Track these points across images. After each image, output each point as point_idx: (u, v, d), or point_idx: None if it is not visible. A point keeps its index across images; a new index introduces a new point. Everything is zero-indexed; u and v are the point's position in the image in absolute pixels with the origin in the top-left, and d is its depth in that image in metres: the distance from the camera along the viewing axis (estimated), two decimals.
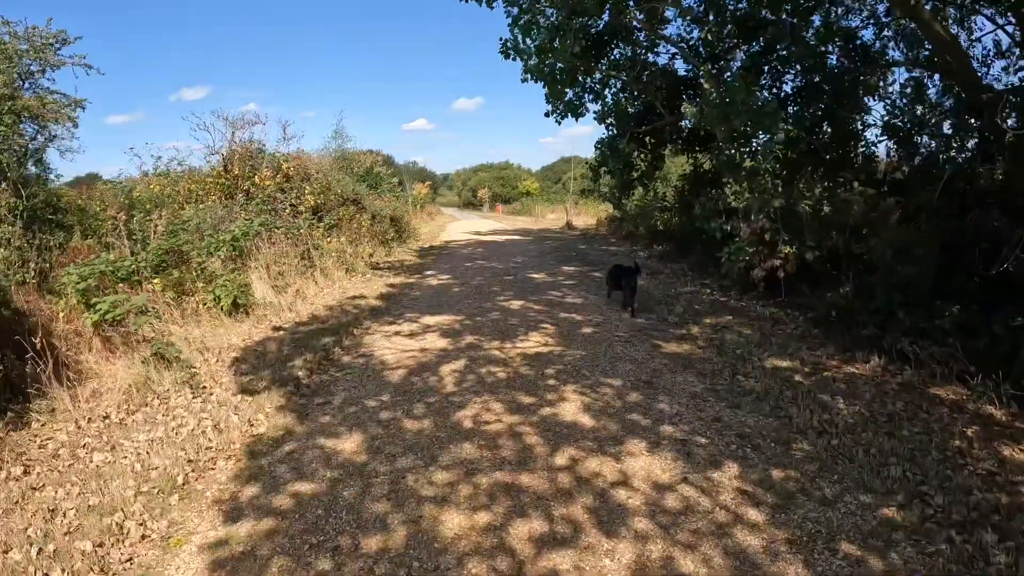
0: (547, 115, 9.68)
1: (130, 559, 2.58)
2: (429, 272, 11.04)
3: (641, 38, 9.01)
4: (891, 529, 2.58)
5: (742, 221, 7.06)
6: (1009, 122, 6.04)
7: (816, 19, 7.17)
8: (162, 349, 4.77)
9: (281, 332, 6.22)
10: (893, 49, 7.72)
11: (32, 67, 8.73)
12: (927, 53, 6.97)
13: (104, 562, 2.53)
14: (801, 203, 6.77)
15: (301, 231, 9.39)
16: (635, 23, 8.62)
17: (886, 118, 6.95)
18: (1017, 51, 6.76)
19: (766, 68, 7.84)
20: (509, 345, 5.53)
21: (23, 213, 7.13)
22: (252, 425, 3.85)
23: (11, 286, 5.49)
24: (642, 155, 10.19)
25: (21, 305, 5.31)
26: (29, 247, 6.56)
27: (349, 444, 3.53)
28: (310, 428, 3.80)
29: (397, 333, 6.18)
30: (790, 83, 8.04)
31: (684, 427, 3.61)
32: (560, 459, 3.24)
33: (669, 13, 8.46)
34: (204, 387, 4.56)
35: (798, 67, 7.50)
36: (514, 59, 8.67)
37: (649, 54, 9.25)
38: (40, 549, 2.66)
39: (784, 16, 7.18)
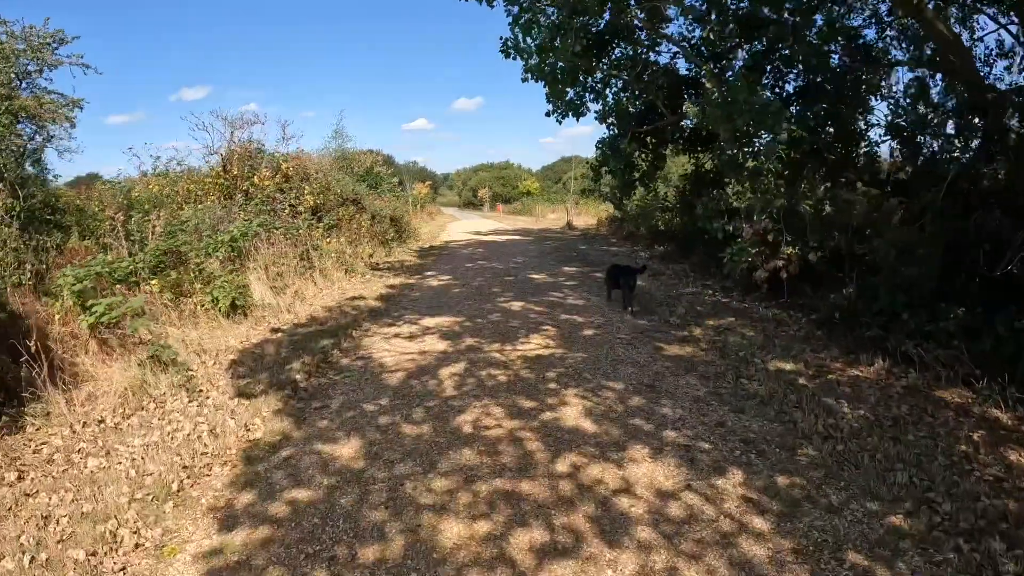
0: (548, 115, 9.64)
1: (123, 568, 2.53)
2: (429, 273, 10.99)
3: (642, 37, 8.96)
4: (898, 538, 2.54)
5: (744, 222, 7.01)
6: (1013, 122, 6.01)
7: (818, 18, 7.13)
8: (159, 351, 4.72)
9: (279, 334, 6.17)
10: (895, 49, 7.68)
11: (30, 67, 8.68)
12: (930, 53, 6.92)
13: (97, 571, 2.49)
14: (803, 203, 6.72)
15: (300, 231, 9.34)
16: (636, 22, 8.58)
17: (890, 118, 6.90)
18: (1020, 51, 6.72)
19: (768, 68, 7.79)
20: (510, 347, 5.48)
21: (20, 214, 7.09)
22: (248, 430, 3.80)
23: (7, 288, 5.45)
24: (643, 155, 10.15)
25: (17, 307, 5.26)
26: (25, 248, 6.52)
27: (347, 450, 3.48)
28: (307, 433, 3.75)
29: (396, 335, 6.13)
30: (792, 83, 8.00)
31: (687, 432, 3.56)
32: (561, 465, 3.19)
33: (671, 12, 8.42)
34: (201, 390, 4.51)
35: (800, 67, 7.46)
36: (514, 58, 8.62)
37: (650, 53, 9.20)
38: (32, 557, 2.61)
39: (786, 15, 7.14)
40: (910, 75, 7.18)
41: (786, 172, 7.18)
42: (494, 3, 8.20)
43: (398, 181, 22.30)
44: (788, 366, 4.71)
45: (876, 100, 7.38)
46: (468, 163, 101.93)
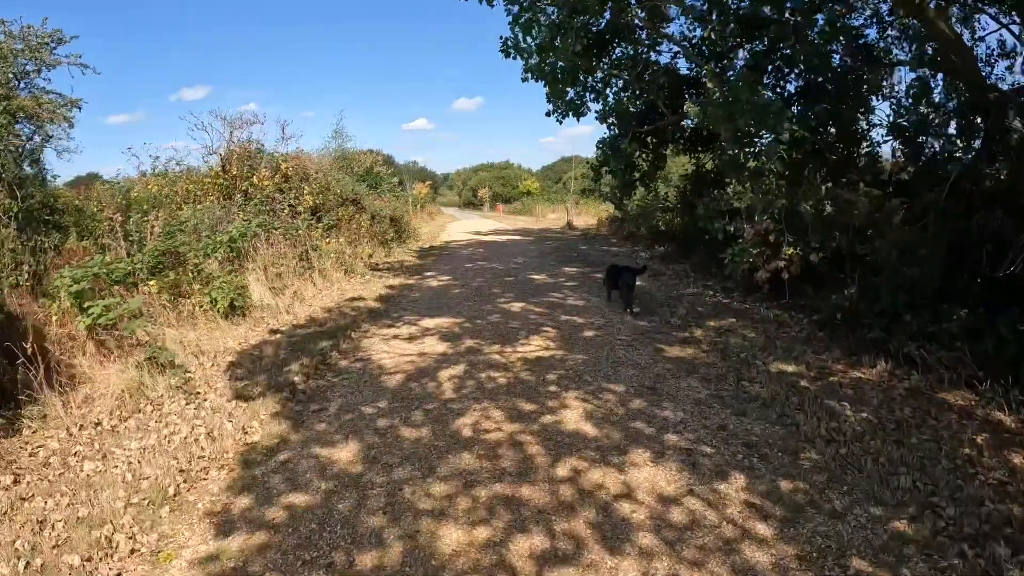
0: (548, 115, 9.62)
1: (119, 574, 2.50)
2: (429, 273, 10.96)
3: (643, 37, 8.93)
4: (902, 543, 2.51)
5: (746, 222, 6.97)
6: (1016, 123, 5.97)
7: (820, 18, 7.09)
8: (156, 353, 4.69)
9: (278, 335, 6.14)
10: (897, 48, 7.65)
11: (28, 67, 8.64)
12: (931, 52, 6.89)
13: None
14: (805, 204, 6.68)
15: (299, 232, 9.30)
16: (637, 21, 8.54)
17: (892, 118, 6.87)
18: (1022, 51, 6.69)
19: (769, 67, 7.75)
20: (509, 349, 5.45)
21: (18, 214, 7.05)
22: (246, 433, 3.77)
23: (4, 289, 5.41)
24: (644, 155, 10.12)
25: (14, 308, 5.23)
26: (23, 249, 6.48)
27: (345, 453, 3.45)
28: (305, 436, 3.72)
29: (396, 336, 6.10)
30: (793, 83, 7.97)
31: (689, 436, 3.53)
32: (562, 470, 3.16)
33: (672, 11, 8.38)
34: (198, 392, 4.48)
35: (802, 66, 7.42)
36: (514, 58, 8.60)
37: (651, 53, 9.17)
38: (28, 563, 2.59)
39: (787, 15, 7.10)
40: (912, 75, 7.16)
41: (787, 172, 7.13)
42: (494, 2, 8.17)
43: (398, 181, 22.27)
44: (790, 368, 4.68)
45: (878, 100, 7.36)
46: (468, 163, 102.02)
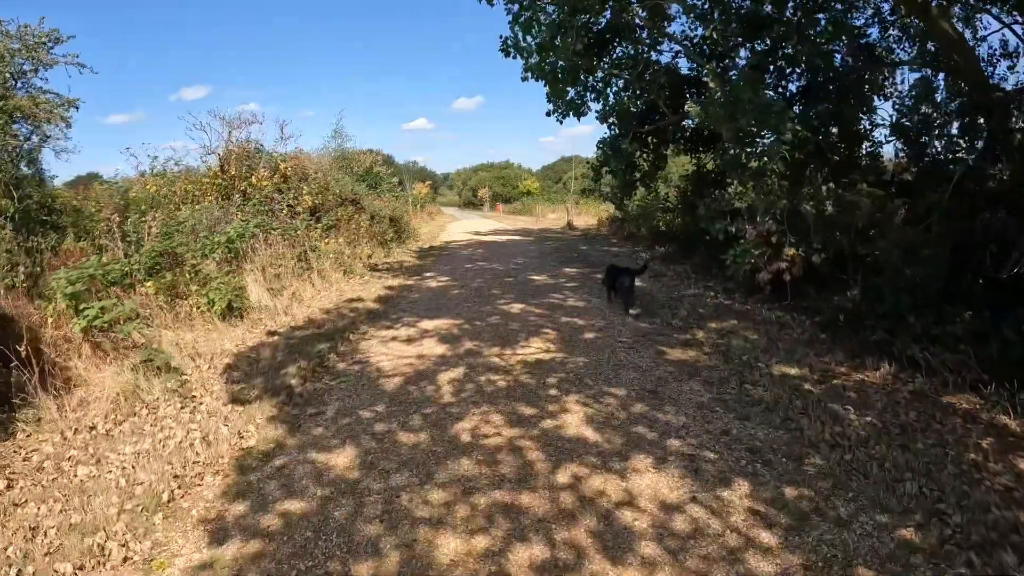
0: (548, 114, 9.58)
1: None
2: (428, 274, 10.90)
3: (644, 36, 8.88)
4: (909, 552, 2.46)
5: (747, 223, 6.92)
6: (1020, 123, 5.93)
7: (822, 17, 7.05)
8: (152, 355, 4.64)
9: (276, 337, 6.09)
10: (899, 48, 7.61)
11: (25, 66, 8.61)
12: (933, 51, 6.85)
13: None
14: (806, 204, 6.63)
15: (298, 232, 9.26)
16: (638, 20, 8.50)
17: (895, 117, 6.82)
18: None
19: (771, 67, 7.70)
20: (509, 351, 5.40)
21: (14, 215, 7.02)
22: (242, 437, 3.72)
23: None
24: (644, 155, 10.07)
25: (9, 310, 5.19)
26: (19, 250, 6.44)
27: (342, 459, 3.39)
28: (302, 441, 3.66)
29: (394, 338, 6.04)
30: (795, 82, 7.93)
31: (691, 441, 3.48)
32: (562, 476, 3.11)
33: (673, 10, 8.34)
34: (194, 396, 4.43)
35: (804, 66, 7.37)
36: (514, 57, 8.56)
37: (652, 52, 9.14)
38: (19, 571, 2.56)
39: (788, 14, 7.06)
40: (914, 75, 7.13)
41: (789, 172, 7.09)
42: (494, 1, 8.12)
43: (398, 181, 22.19)
44: (793, 371, 4.63)
45: (880, 100, 7.32)
46: (468, 163, 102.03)
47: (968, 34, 6.78)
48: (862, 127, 7.28)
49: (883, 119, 7.25)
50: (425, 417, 3.94)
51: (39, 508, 3.02)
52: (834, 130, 7.19)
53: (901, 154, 7.01)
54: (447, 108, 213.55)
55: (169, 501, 3.02)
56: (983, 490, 2.85)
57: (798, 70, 7.67)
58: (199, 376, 4.85)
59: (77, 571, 2.53)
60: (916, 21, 6.83)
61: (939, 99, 6.77)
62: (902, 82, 7.35)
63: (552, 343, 5.64)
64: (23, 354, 4.04)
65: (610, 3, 7.72)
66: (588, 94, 9.39)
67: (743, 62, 7.82)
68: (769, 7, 7.00)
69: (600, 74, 9.26)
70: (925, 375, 4.28)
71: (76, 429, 3.91)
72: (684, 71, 9.43)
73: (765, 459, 3.24)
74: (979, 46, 6.85)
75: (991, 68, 6.85)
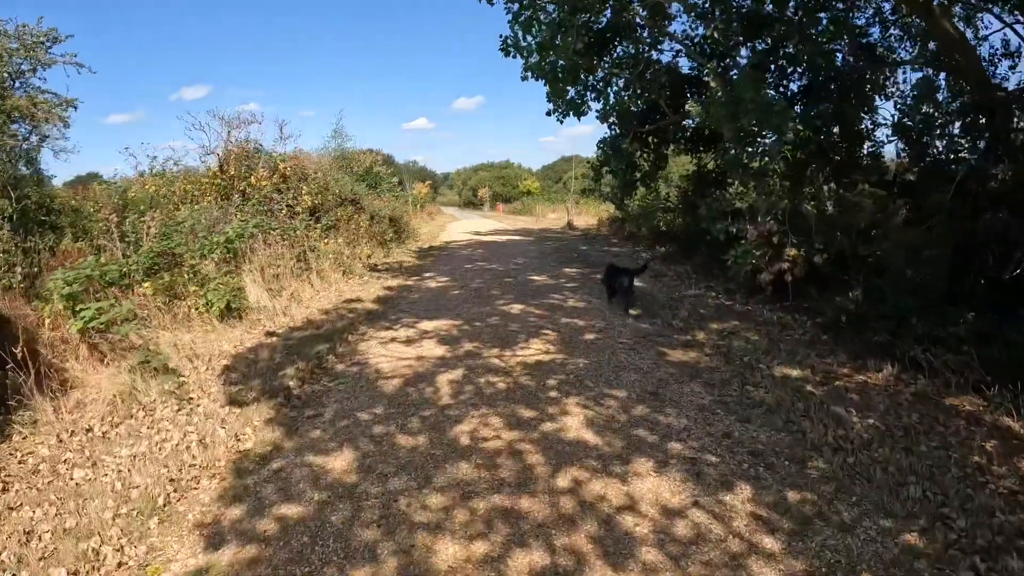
0: (548, 114, 9.53)
1: None
2: (428, 274, 10.86)
3: (644, 35, 8.84)
4: (913, 557, 2.43)
5: (749, 223, 6.88)
6: (1023, 123, 5.90)
7: (823, 17, 7.01)
8: (149, 357, 4.61)
9: (274, 338, 6.06)
10: (900, 48, 7.57)
11: (23, 66, 8.56)
12: (934, 50, 6.81)
13: None
14: (808, 205, 6.60)
15: (297, 232, 9.22)
16: (638, 20, 8.46)
17: (896, 117, 6.79)
18: None
19: (772, 66, 7.67)
20: (509, 353, 5.36)
21: (12, 215, 6.98)
22: (239, 440, 3.69)
23: None
24: (645, 155, 10.04)
25: (5, 311, 5.16)
26: (16, 250, 6.41)
27: (339, 462, 3.36)
28: (299, 444, 3.63)
29: (393, 339, 6.01)
30: (796, 82, 7.89)
31: (693, 444, 3.44)
32: (562, 480, 3.07)
33: (673, 9, 8.30)
34: (191, 397, 4.40)
35: (805, 65, 7.34)
36: (514, 56, 8.52)
37: (653, 51, 9.09)
38: (14, 575, 2.52)
39: (789, 13, 7.02)
40: (915, 75, 7.09)
41: (790, 172, 7.05)
42: (494, 1, 8.09)
43: (398, 181, 22.15)
44: (795, 372, 4.59)
45: (881, 100, 7.29)
46: (468, 162, 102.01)
47: (969, 34, 6.75)
48: (864, 127, 7.24)
49: (885, 119, 7.22)
50: (424, 419, 3.91)
51: (34, 512, 3.00)
52: (835, 130, 7.15)
53: (903, 154, 6.98)
54: (447, 108, 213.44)
55: (165, 505, 2.99)
56: (987, 494, 2.83)
57: (799, 69, 7.63)
58: (196, 378, 4.82)
59: (71, 575, 2.50)
60: (917, 20, 6.80)
61: (941, 99, 6.75)
62: (904, 82, 7.33)
63: (552, 344, 5.60)
64: (19, 355, 4.02)
65: (610, 2, 7.69)
66: (588, 93, 9.35)
67: (744, 61, 7.79)
68: (770, 6, 6.96)
69: (600, 73, 9.23)
70: (928, 377, 4.25)
71: (72, 431, 3.88)
72: (685, 70, 9.41)
73: (767, 462, 3.20)
74: (980, 46, 6.83)
75: (992, 68, 6.82)
